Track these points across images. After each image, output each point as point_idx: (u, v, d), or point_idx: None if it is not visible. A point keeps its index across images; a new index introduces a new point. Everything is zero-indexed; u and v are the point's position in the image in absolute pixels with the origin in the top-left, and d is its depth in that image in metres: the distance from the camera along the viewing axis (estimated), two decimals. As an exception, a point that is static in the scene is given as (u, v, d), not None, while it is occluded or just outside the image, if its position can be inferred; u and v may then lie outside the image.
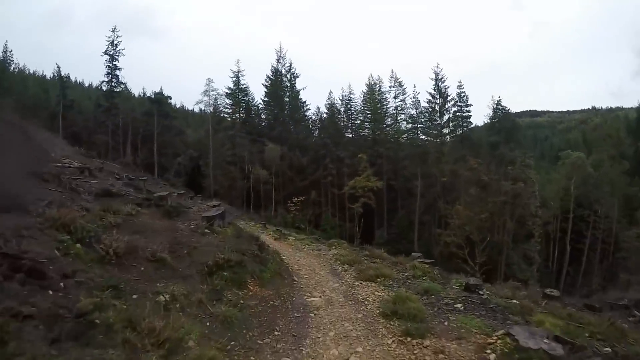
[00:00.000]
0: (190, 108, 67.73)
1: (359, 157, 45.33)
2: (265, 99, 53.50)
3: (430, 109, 48.09)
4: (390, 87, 51.51)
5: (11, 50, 55.15)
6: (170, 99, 50.67)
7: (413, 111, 49.92)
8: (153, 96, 49.57)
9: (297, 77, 52.88)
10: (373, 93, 52.25)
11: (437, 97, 47.54)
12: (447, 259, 39.59)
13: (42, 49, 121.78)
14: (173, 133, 50.01)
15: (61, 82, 51.75)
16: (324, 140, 48.44)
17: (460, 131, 48.02)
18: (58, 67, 62.14)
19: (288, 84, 52.73)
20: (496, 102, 46.13)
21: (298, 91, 52.80)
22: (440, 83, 47.23)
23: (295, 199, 40.72)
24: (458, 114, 47.40)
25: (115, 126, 47.83)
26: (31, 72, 63.20)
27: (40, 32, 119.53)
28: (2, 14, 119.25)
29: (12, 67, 54.86)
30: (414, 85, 63.02)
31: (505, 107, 46.43)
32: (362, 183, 44.68)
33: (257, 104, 54.55)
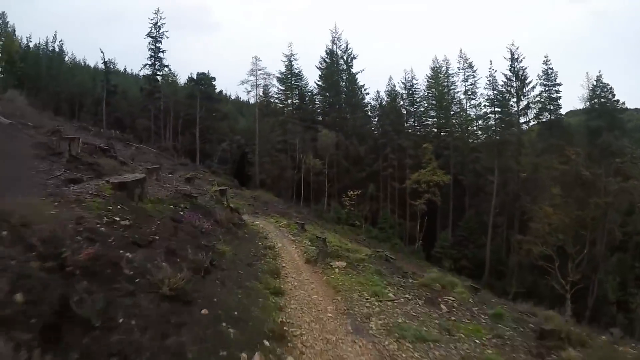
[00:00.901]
0: (243, 98, 64.44)
1: (424, 147, 39.41)
2: (320, 82, 48.64)
3: (505, 93, 40.82)
4: (458, 68, 44.87)
5: (61, 41, 54.42)
6: (214, 80, 46.71)
7: (486, 93, 42.25)
8: (196, 77, 46.00)
9: (354, 58, 47.58)
10: (438, 77, 45.84)
11: (513, 79, 40.31)
12: (527, 270, 32.69)
13: (96, 43, 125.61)
14: (218, 117, 46.24)
15: (105, 67, 49.64)
16: (385, 128, 42.68)
17: (547, 116, 40.31)
18: (102, 52, 61.26)
19: (344, 67, 47.47)
20: (595, 79, 38.15)
21: (355, 74, 47.43)
22: (516, 64, 39.94)
23: (351, 192, 35.65)
24: (545, 94, 39.76)
25: (158, 110, 44.83)
26: (80, 62, 62.60)
27: (94, 28, 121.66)
28: (62, 8, 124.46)
29: (65, 58, 53.79)
30: (490, 62, 43.76)
31: (608, 85, 38.14)
32: (426, 177, 38.82)
33: (310, 89, 49.84)
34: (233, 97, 74.10)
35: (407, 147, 40.81)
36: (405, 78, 46.31)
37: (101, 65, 49.02)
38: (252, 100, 50.71)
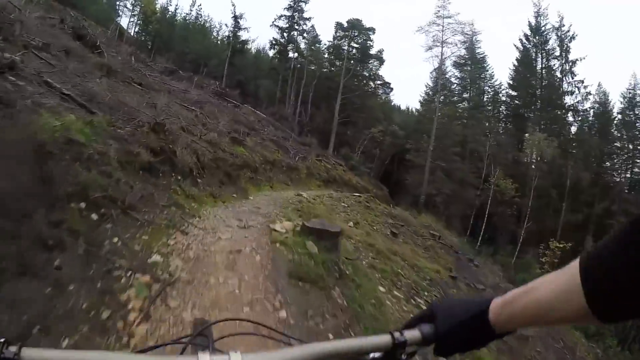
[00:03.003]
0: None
1: None
2: (514, 71, 33.64)
3: None
4: None
5: (200, 5, 49.26)
6: (373, 32, 34.44)
7: None
8: (345, 24, 34.36)
9: (573, 39, 31.23)
10: None
11: None
12: None
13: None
14: (369, 91, 34.48)
15: (235, 21, 41.22)
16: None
17: None
18: (233, 5, 54.06)
19: (558, 50, 31.43)
20: None
21: (573, 63, 31.09)
22: None
23: (554, 242, 21.95)
24: None
25: (288, 72, 35.05)
26: (216, 25, 57.84)
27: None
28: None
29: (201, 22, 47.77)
30: None
31: None
32: None
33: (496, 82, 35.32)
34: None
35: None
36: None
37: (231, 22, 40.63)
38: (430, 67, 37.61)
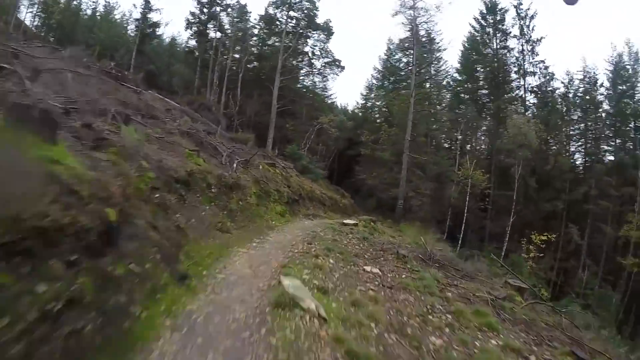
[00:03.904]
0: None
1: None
2: (467, 49, 30.59)
3: None
4: None
5: None
6: None
7: None
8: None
9: (533, 17, 28.73)
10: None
11: None
12: None
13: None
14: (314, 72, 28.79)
15: (145, 1, 32.34)
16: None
17: None
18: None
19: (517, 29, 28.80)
20: None
21: (535, 43, 28.44)
22: None
23: (536, 235, 20.47)
24: None
25: (211, 56, 27.81)
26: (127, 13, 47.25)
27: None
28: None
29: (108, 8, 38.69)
30: None
31: None
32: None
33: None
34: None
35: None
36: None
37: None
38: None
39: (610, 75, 27.85)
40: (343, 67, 27.23)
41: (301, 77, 26.71)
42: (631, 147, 26.22)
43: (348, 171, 26.71)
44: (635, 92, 27.02)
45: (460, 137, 22.68)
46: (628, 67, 27.58)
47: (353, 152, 27.11)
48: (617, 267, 22.58)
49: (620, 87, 27.29)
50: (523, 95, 27.71)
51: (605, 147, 27.06)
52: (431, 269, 6.80)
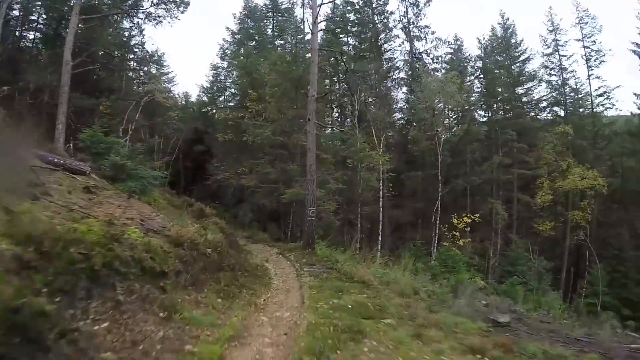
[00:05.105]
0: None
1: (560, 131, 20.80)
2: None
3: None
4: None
5: None
6: None
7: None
8: None
9: None
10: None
11: None
12: None
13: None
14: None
15: None
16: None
17: None
18: None
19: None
20: None
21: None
22: None
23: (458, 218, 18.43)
24: None
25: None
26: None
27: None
28: None
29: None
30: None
31: None
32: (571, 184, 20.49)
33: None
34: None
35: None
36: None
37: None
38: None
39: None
40: (187, 3, 17.49)
41: (116, 18, 16.36)
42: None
43: (199, 170, 19.68)
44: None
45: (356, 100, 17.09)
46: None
47: (204, 147, 20.54)
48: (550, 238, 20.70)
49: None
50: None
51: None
52: None
